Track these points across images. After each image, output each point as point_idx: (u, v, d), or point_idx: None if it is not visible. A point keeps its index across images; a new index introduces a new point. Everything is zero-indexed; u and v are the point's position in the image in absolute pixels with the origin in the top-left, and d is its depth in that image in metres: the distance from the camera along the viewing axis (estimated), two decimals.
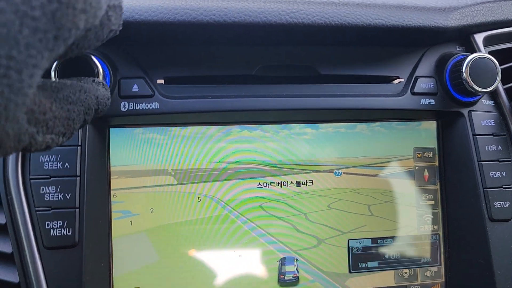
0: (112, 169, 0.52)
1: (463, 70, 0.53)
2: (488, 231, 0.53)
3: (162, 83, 0.51)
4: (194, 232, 0.54)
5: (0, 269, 0.48)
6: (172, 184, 0.54)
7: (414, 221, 0.58)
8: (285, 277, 0.55)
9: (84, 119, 0.34)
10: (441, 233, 0.58)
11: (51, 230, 0.47)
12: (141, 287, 0.52)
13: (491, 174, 0.55)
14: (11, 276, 0.48)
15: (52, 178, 0.48)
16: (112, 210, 0.52)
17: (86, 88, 0.35)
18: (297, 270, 0.55)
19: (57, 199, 0.47)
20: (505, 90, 0.58)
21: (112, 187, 0.52)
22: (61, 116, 0.32)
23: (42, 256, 0.46)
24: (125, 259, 0.52)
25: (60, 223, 0.47)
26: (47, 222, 0.47)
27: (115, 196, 0.52)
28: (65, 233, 0.47)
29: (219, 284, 0.53)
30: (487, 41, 0.59)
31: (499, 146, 0.56)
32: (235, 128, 0.55)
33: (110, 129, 0.53)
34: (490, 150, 0.55)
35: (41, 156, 0.48)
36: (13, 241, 0.47)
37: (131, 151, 0.53)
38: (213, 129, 0.55)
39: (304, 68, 0.54)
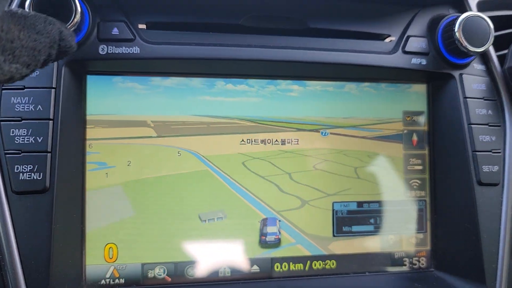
0: (88, 117, 0.50)
1: (456, 29, 0.51)
2: (476, 194, 0.52)
3: (144, 28, 0.49)
4: (173, 188, 0.51)
5: None
6: (151, 137, 0.51)
7: (400, 186, 0.56)
8: (267, 239, 0.53)
9: (49, 52, 0.34)
10: (428, 200, 0.57)
11: (21, 174, 0.44)
12: (115, 242, 0.50)
13: (480, 138, 0.53)
14: None
15: (23, 121, 0.45)
16: (87, 161, 0.49)
17: (51, 21, 0.35)
18: (279, 232, 0.53)
19: (28, 142, 0.45)
20: (498, 56, 0.57)
21: (87, 137, 0.50)
22: (28, 46, 0.32)
23: (10, 201, 0.44)
24: (99, 213, 0.50)
25: (30, 167, 0.44)
26: (16, 166, 0.44)
27: (90, 147, 0.50)
28: (35, 178, 0.44)
29: (196, 243, 0.51)
30: (481, 7, 0.58)
31: (489, 111, 0.54)
32: (219, 81, 0.53)
33: (88, 75, 0.50)
34: (480, 113, 0.54)
35: (12, 98, 0.45)
36: None
37: (109, 100, 0.50)
38: (196, 81, 0.52)
39: (294, 20, 0.52)
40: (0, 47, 0.29)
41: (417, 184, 0.57)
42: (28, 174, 0.44)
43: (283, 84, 0.54)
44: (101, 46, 0.48)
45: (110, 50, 0.48)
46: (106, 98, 0.50)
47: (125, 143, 0.51)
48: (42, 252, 0.43)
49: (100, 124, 0.50)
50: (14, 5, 0.45)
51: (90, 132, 0.50)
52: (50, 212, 0.44)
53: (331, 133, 0.55)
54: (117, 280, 0.50)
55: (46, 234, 0.44)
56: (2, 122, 0.45)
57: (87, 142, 0.50)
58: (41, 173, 0.44)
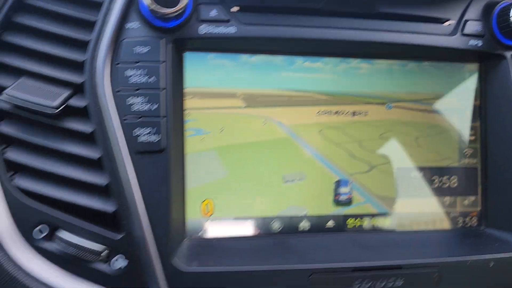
0: (185, 90, 0.57)
1: (511, 15, 0.58)
2: None
3: (237, 11, 0.56)
4: (259, 153, 0.58)
5: (88, 174, 0.52)
6: (240, 107, 0.58)
7: (456, 154, 0.63)
8: (340, 198, 0.60)
9: None
10: (479, 166, 0.64)
11: (140, 136, 0.51)
12: (211, 199, 0.57)
13: None
14: (99, 179, 0.51)
15: (139, 90, 0.52)
16: (186, 128, 0.56)
17: None
18: (351, 192, 0.60)
19: (144, 109, 0.51)
20: None
21: (185, 107, 0.57)
22: None
23: (133, 160, 0.50)
24: (196, 174, 0.57)
25: (148, 130, 0.51)
26: (135, 130, 0.51)
27: (188, 115, 0.57)
28: (153, 140, 0.51)
29: (279, 201, 0.58)
30: None
31: None
32: (298, 59, 0.60)
33: (187, 52, 0.57)
34: None
35: (126, 71, 0.52)
36: (102, 147, 0.51)
37: (204, 74, 0.57)
38: (279, 58, 0.59)
39: (365, 5, 0.59)
40: None
41: (469, 152, 0.64)
42: (147, 137, 0.51)
43: (354, 62, 0.61)
44: (201, 26, 0.54)
45: (208, 30, 0.54)
46: (201, 72, 0.57)
47: (218, 112, 0.58)
48: (162, 205, 0.50)
49: (196, 95, 0.57)
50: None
51: (188, 102, 0.57)
52: (167, 169, 0.51)
53: (394, 106, 0.62)
54: (211, 233, 0.57)
55: (165, 189, 0.51)
56: (120, 93, 0.52)
57: (186, 111, 0.57)
58: (158, 136, 0.51)
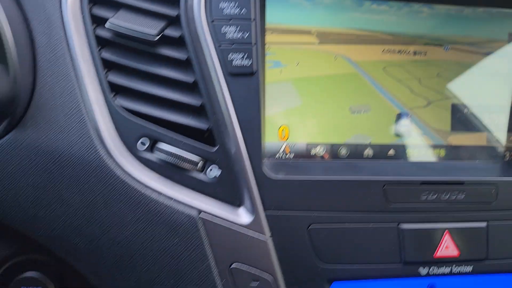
0: (267, 25, 0.62)
1: None
2: None
3: None
4: (330, 85, 0.64)
5: (183, 95, 0.58)
6: (314, 44, 0.64)
7: (505, 93, 0.69)
8: (400, 129, 0.66)
9: None
10: None
11: (234, 61, 0.57)
12: (287, 125, 0.63)
13: None
14: (194, 100, 0.58)
15: (232, 20, 0.57)
16: (266, 60, 0.62)
17: None
18: (410, 124, 0.66)
19: (237, 37, 0.57)
20: None
21: (266, 41, 0.63)
22: None
23: (227, 82, 0.56)
24: (274, 101, 0.63)
25: (241, 55, 0.57)
26: (229, 55, 0.57)
27: (268, 48, 0.63)
28: (245, 64, 0.57)
29: (348, 129, 0.64)
30: None
31: None
32: (366, 1, 0.65)
33: None
34: None
35: (221, 3, 0.57)
36: (197, 72, 0.57)
37: (283, 12, 0.63)
38: (349, 0, 0.65)
39: None
40: None
41: None
42: (240, 61, 0.57)
43: (415, 6, 0.67)
44: None
45: None
46: (280, 10, 0.63)
47: (294, 47, 0.64)
48: (253, 121, 0.56)
49: (275, 31, 0.63)
50: None
51: (268, 37, 0.63)
52: (257, 90, 0.57)
53: (451, 48, 0.68)
54: (288, 155, 0.64)
55: (256, 107, 0.56)
56: (214, 22, 0.58)
57: (266, 45, 0.63)
58: (250, 60, 0.57)
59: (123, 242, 0.55)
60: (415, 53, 0.67)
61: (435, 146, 0.67)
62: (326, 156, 0.64)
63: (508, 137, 0.70)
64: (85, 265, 0.56)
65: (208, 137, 0.57)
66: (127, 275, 0.55)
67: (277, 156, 0.63)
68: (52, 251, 0.57)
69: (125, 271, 0.55)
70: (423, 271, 0.58)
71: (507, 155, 0.69)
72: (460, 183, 0.58)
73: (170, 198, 0.54)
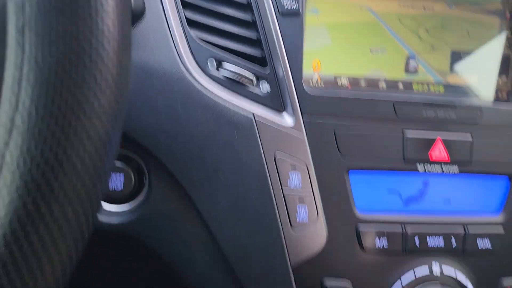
0: None
1: None
2: None
3: None
4: (355, 30, 0.82)
5: (243, 30, 0.76)
6: None
7: (497, 41, 0.86)
8: (409, 68, 0.84)
9: None
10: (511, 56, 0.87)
11: (285, 3, 0.75)
12: (319, 58, 0.81)
13: None
14: (251, 34, 0.76)
15: None
16: (307, 5, 0.80)
17: None
18: (417, 65, 0.84)
19: None
20: None
21: None
22: None
23: (278, 21, 0.74)
24: (310, 40, 0.81)
25: None
26: None
27: None
28: (293, 7, 0.74)
29: (367, 65, 0.82)
30: None
31: None
32: None
33: None
34: None
35: None
36: (255, 12, 0.75)
37: None
38: None
39: None
40: None
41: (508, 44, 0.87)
42: (289, 4, 0.75)
43: None
44: None
45: None
46: None
47: None
48: (297, 50, 0.75)
49: None
50: None
51: None
52: (301, 29, 0.75)
53: (455, 7, 0.85)
54: (319, 84, 0.82)
55: (299, 43, 0.75)
56: None
57: None
58: (297, 4, 0.75)
59: (196, 137, 0.74)
60: (424, 8, 0.84)
61: (436, 83, 0.85)
62: (349, 86, 0.82)
63: (497, 80, 0.87)
64: (165, 157, 0.75)
65: (259, 63, 0.75)
66: (198, 164, 0.74)
67: (310, 83, 0.81)
68: (137, 147, 0.76)
69: (197, 161, 0.74)
70: (419, 167, 0.76)
71: (496, 94, 0.87)
72: (454, 106, 0.76)
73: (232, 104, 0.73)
